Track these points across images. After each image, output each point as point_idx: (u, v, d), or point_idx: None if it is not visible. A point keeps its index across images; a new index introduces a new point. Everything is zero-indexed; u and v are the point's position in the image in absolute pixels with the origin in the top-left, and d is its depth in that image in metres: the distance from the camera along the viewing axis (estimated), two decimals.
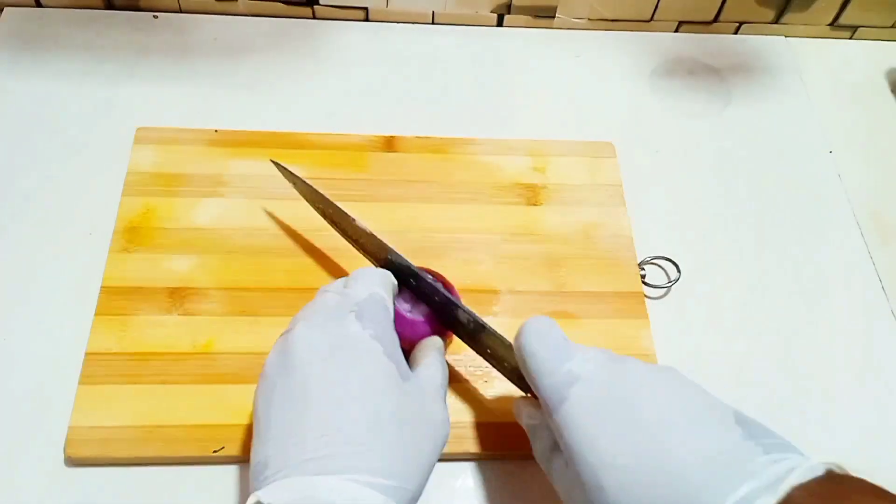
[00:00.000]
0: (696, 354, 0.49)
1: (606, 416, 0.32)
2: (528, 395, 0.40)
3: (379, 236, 0.43)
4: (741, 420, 0.32)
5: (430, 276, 0.43)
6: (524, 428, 0.39)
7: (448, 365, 0.45)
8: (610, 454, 0.31)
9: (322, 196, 0.45)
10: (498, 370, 0.42)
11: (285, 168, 0.47)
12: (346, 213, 0.44)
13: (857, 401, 0.48)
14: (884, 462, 0.46)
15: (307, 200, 0.47)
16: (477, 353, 0.42)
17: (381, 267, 0.43)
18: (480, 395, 0.45)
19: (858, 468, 0.29)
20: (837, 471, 0.29)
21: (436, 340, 0.41)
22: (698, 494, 0.29)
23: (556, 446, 0.35)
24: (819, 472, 0.28)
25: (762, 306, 0.52)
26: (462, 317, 0.41)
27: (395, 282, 0.41)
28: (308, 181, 0.46)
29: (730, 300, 0.52)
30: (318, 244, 0.50)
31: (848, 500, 0.28)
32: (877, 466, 0.29)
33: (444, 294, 0.41)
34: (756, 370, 0.49)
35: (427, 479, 0.34)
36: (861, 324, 0.52)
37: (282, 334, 0.36)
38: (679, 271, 0.51)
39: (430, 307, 0.42)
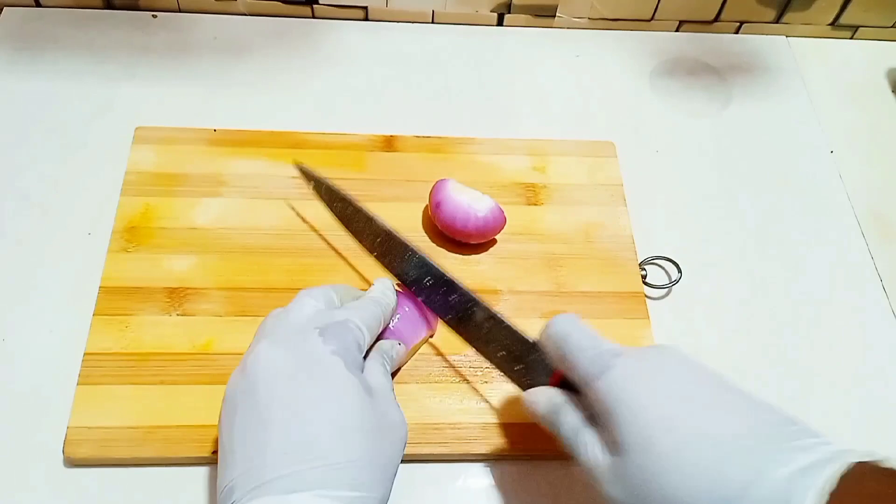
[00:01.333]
0: (696, 354, 0.49)
1: (655, 383, 0.32)
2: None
3: (399, 235, 0.44)
4: (778, 409, 0.32)
5: (445, 271, 0.42)
6: (541, 414, 0.37)
7: (452, 365, 0.45)
8: (659, 416, 0.31)
9: (344, 196, 0.46)
10: (503, 370, 0.41)
11: (309, 170, 0.47)
12: (368, 214, 0.45)
13: (857, 400, 0.48)
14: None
15: (325, 202, 0.47)
16: (483, 353, 0.42)
17: (401, 267, 0.43)
18: (482, 396, 0.45)
19: None
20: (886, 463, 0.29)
21: (378, 345, 0.41)
22: (750, 462, 0.29)
23: (586, 422, 0.35)
24: (870, 458, 0.28)
25: (763, 306, 0.52)
26: (479, 314, 0.41)
27: (385, 303, 0.41)
28: (331, 182, 0.46)
29: (731, 300, 0.52)
30: (317, 244, 0.50)
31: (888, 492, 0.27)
32: None
33: (463, 290, 0.41)
34: (757, 370, 0.49)
35: (392, 484, 0.34)
36: (861, 323, 0.51)
37: (246, 351, 0.36)
38: (680, 271, 0.51)
39: (446, 303, 0.42)
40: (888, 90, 0.65)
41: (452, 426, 0.44)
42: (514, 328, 0.40)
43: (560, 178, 0.55)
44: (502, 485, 0.43)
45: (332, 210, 0.47)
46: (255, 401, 0.33)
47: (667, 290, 0.51)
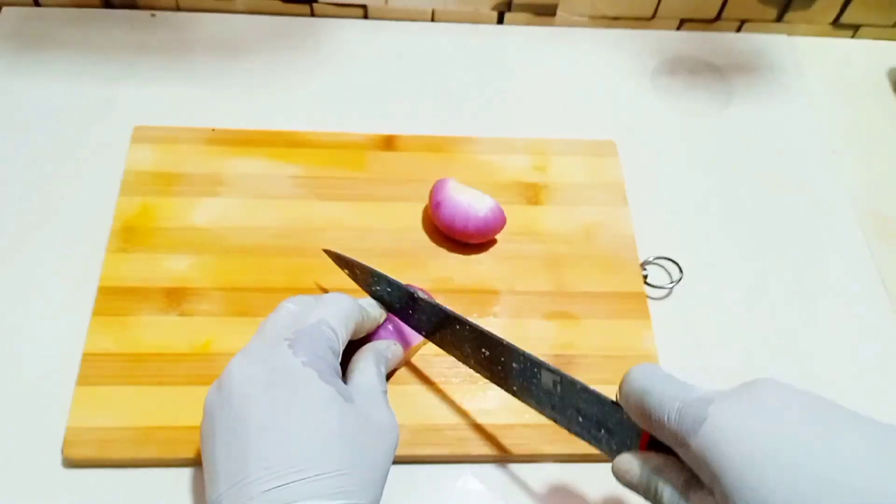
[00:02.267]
0: (697, 354, 0.49)
1: (759, 430, 0.28)
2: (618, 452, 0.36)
3: (453, 312, 0.40)
4: (880, 423, 0.29)
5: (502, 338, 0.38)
6: (636, 484, 0.33)
7: (451, 365, 0.45)
8: (776, 469, 0.27)
9: (380, 273, 0.42)
10: (582, 437, 0.37)
11: (339, 254, 0.45)
12: (406, 288, 0.42)
13: (858, 400, 0.48)
14: None
15: (362, 286, 0.44)
16: (557, 421, 0.38)
17: (456, 342, 0.40)
18: (482, 396, 0.45)
19: None
20: None
21: (373, 345, 0.41)
22: (873, 495, 0.26)
23: (691, 483, 0.31)
24: None
25: (764, 306, 0.51)
26: (545, 379, 0.36)
27: (369, 310, 0.41)
28: (364, 264, 0.43)
29: (731, 300, 0.51)
30: (317, 244, 0.49)
31: None
32: None
33: (528, 356, 0.37)
34: (757, 370, 0.48)
35: (383, 487, 0.34)
36: (861, 323, 0.51)
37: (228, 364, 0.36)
38: (681, 271, 0.51)
39: (510, 372, 0.38)
40: (889, 90, 0.65)
41: (452, 427, 0.43)
42: (590, 389, 0.35)
43: (561, 178, 0.54)
44: (502, 485, 0.43)
45: (371, 293, 0.44)
46: (232, 417, 0.33)
47: (668, 290, 0.51)
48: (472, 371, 0.45)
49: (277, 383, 0.34)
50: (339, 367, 0.37)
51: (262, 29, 0.62)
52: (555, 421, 0.37)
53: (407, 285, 0.42)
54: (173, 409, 0.43)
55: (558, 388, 0.36)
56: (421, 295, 0.41)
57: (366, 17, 0.64)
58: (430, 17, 0.64)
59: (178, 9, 0.62)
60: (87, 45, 0.59)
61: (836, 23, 0.66)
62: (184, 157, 0.53)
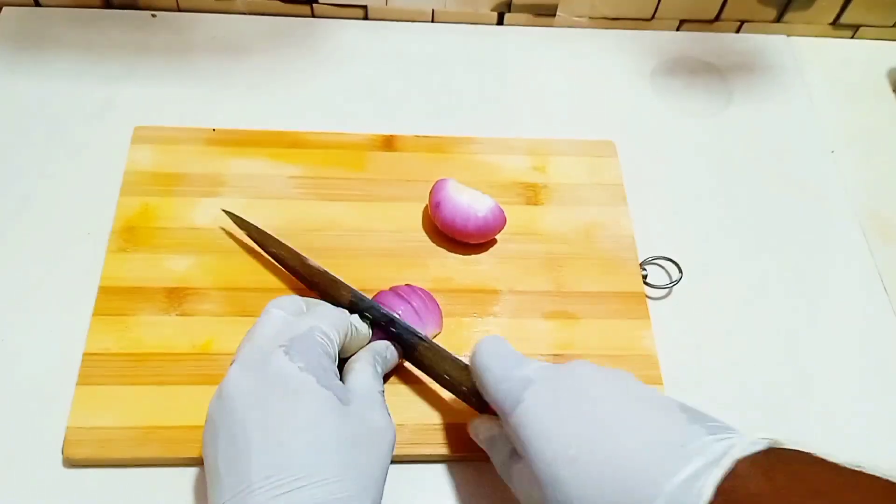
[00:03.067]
0: (697, 354, 0.49)
1: (558, 412, 0.33)
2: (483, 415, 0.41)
3: (331, 273, 0.44)
4: (685, 409, 0.33)
5: (382, 307, 0.43)
6: (480, 444, 0.40)
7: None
8: (563, 447, 0.32)
9: (276, 239, 0.47)
10: (455, 394, 0.42)
11: (237, 216, 0.48)
12: (298, 253, 0.46)
13: (858, 400, 0.48)
14: (885, 460, 0.46)
15: (260, 246, 0.48)
16: (435, 380, 0.43)
17: (337, 303, 0.43)
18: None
19: (814, 447, 0.30)
20: (777, 445, 0.30)
21: (371, 346, 0.41)
22: (647, 476, 0.30)
23: (514, 453, 0.36)
24: (761, 445, 0.29)
25: (764, 306, 0.51)
26: (419, 345, 0.42)
27: (358, 326, 0.41)
28: (261, 227, 0.47)
29: (731, 300, 0.52)
30: (316, 244, 0.50)
31: (788, 466, 0.29)
32: (877, 465, 0.29)
33: (402, 324, 0.42)
34: (757, 370, 0.49)
35: (383, 487, 0.34)
36: (862, 323, 0.51)
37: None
38: (681, 271, 0.51)
39: (389, 336, 0.43)
40: (888, 90, 0.65)
41: (452, 426, 0.43)
42: (451, 355, 0.41)
43: (560, 178, 0.54)
44: (502, 485, 0.43)
45: (267, 252, 0.48)
46: (232, 425, 0.33)
47: (667, 290, 0.51)
48: None
49: (275, 392, 0.34)
50: (337, 370, 0.37)
51: (263, 29, 0.62)
52: (438, 382, 0.43)
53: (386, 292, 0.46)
54: (174, 408, 0.43)
55: (430, 353, 0.42)
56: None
57: (366, 17, 0.64)
58: (430, 17, 0.64)
59: (178, 9, 0.62)
60: (88, 45, 0.60)
61: (836, 23, 0.66)
62: (184, 158, 0.53)
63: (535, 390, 0.35)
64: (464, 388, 0.41)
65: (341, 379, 0.38)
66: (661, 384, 0.46)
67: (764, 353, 0.49)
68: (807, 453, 0.29)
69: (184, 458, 0.42)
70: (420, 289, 0.46)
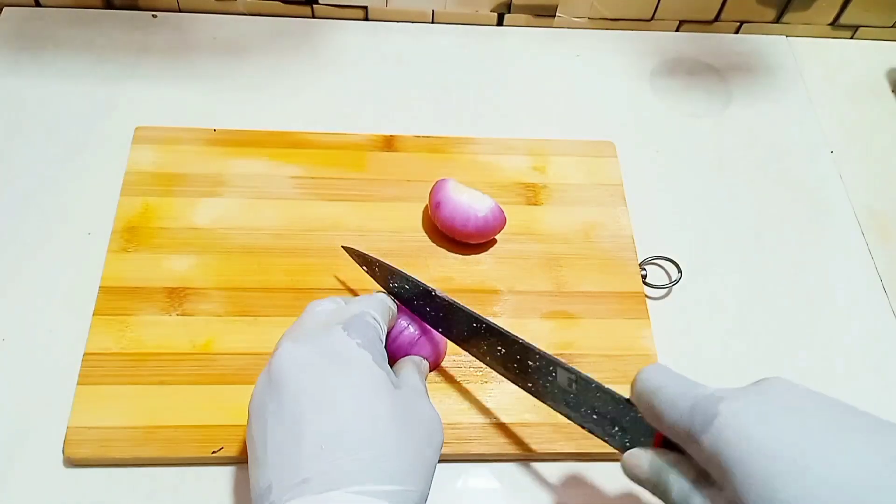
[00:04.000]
0: (696, 354, 0.49)
1: (769, 428, 0.29)
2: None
3: (460, 304, 0.40)
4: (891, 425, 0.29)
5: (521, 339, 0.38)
6: (645, 479, 0.33)
7: (452, 365, 0.45)
8: (784, 467, 0.27)
9: (402, 273, 0.42)
10: (595, 433, 0.37)
11: (359, 252, 0.45)
12: (427, 287, 0.41)
13: (858, 400, 0.48)
14: None
15: (380, 282, 0.44)
16: (566, 415, 0.38)
17: (468, 336, 0.40)
18: (482, 396, 0.45)
19: None
20: None
21: (410, 357, 0.41)
22: (881, 493, 0.26)
23: (700, 479, 0.31)
24: None
25: (763, 306, 0.51)
26: (562, 378, 0.37)
27: (392, 307, 0.40)
28: (384, 261, 0.43)
29: (731, 300, 0.52)
30: (317, 244, 0.50)
31: None
32: None
33: (545, 355, 0.37)
34: (757, 370, 0.48)
35: (431, 481, 0.33)
36: (861, 323, 0.51)
37: (271, 357, 0.36)
38: (680, 271, 0.51)
39: (526, 369, 0.38)
40: (888, 90, 0.65)
41: (452, 426, 0.44)
42: (604, 387, 0.36)
43: (560, 178, 0.55)
44: (502, 485, 0.43)
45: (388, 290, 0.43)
46: (284, 399, 0.32)
47: (667, 290, 0.51)
48: (472, 371, 0.46)
49: (332, 363, 0.33)
50: (387, 356, 0.37)
51: (263, 30, 0.62)
52: (568, 418, 0.38)
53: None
54: (174, 408, 0.43)
55: (573, 386, 0.36)
56: (438, 293, 0.41)
57: (366, 18, 0.64)
58: (430, 18, 0.64)
59: (179, 9, 0.62)
60: (89, 45, 0.60)
61: (835, 24, 0.66)
62: (185, 158, 0.53)
63: (730, 406, 0.30)
64: (613, 430, 0.36)
65: None
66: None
67: (763, 353, 0.50)
68: None
69: (184, 458, 0.42)
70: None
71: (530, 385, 0.39)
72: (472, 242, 0.50)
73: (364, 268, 0.45)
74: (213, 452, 0.42)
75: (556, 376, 0.37)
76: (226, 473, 0.42)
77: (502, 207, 0.49)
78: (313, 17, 0.64)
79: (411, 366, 0.39)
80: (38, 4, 0.61)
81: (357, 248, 0.45)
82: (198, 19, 0.62)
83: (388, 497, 0.30)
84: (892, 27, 0.67)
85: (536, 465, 0.44)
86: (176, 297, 0.47)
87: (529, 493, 0.43)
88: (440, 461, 0.43)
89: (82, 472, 0.42)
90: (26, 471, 0.41)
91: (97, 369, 0.44)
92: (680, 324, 0.50)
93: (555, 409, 0.38)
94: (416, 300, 0.42)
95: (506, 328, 0.38)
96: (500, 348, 0.39)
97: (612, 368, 0.46)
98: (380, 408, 0.32)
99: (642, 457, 0.34)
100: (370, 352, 0.34)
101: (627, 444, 0.35)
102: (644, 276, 0.51)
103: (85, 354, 0.44)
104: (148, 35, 0.61)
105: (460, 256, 0.50)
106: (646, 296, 0.50)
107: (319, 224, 0.51)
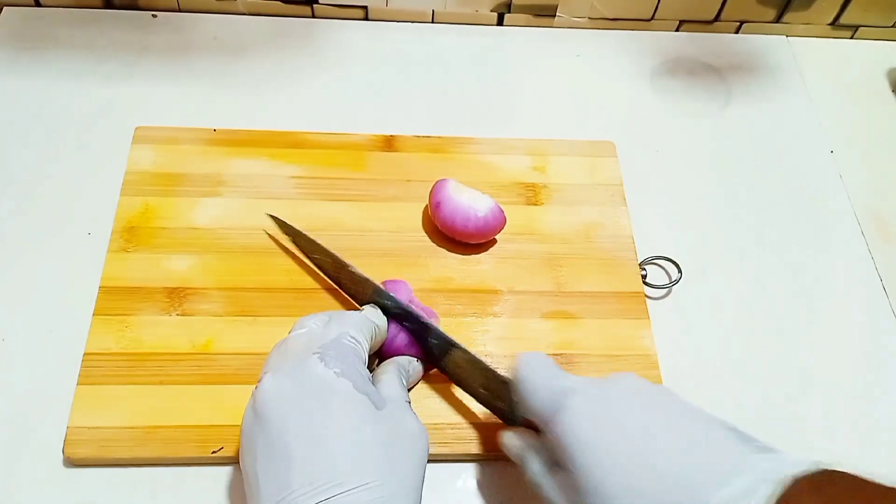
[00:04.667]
0: (696, 354, 0.49)
1: (602, 420, 0.33)
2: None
3: (374, 281, 0.44)
4: (730, 427, 0.33)
5: (422, 315, 0.43)
6: (512, 456, 0.39)
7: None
8: (608, 456, 0.32)
9: (321, 247, 0.46)
10: (488, 407, 0.43)
11: (283, 221, 0.48)
12: (344, 262, 0.45)
13: (857, 400, 0.48)
14: (884, 462, 0.46)
15: (304, 253, 0.48)
16: (466, 390, 0.43)
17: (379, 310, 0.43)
18: None
19: (858, 468, 0.29)
20: (823, 466, 0.29)
21: (395, 360, 0.42)
22: (694, 489, 0.29)
23: (551, 464, 0.36)
24: (807, 465, 0.29)
25: (763, 306, 0.51)
26: (454, 354, 0.42)
27: (378, 322, 0.41)
28: (308, 234, 0.47)
29: (731, 300, 0.52)
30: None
31: (837, 485, 0.29)
32: (877, 466, 0.29)
33: (439, 333, 0.42)
34: (757, 370, 0.49)
35: (421, 489, 0.34)
36: (861, 323, 0.51)
37: (255, 387, 0.36)
38: (680, 271, 0.51)
39: (423, 346, 0.43)
40: (888, 90, 0.65)
41: (452, 426, 0.44)
42: (490, 368, 0.40)
43: (560, 178, 0.55)
44: (502, 485, 0.43)
45: (311, 260, 0.48)
46: (270, 435, 0.33)
47: (667, 290, 0.51)
48: None
49: (312, 397, 0.34)
50: (370, 375, 0.37)
51: (264, 30, 0.62)
52: (470, 393, 0.43)
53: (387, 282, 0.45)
54: (174, 408, 0.43)
55: (468, 365, 0.41)
56: (384, 289, 0.43)
57: (366, 18, 0.64)
58: (430, 18, 0.64)
59: (179, 9, 0.62)
60: (89, 45, 0.60)
61: (835, 24, 0.66)
62: (185, 158, 0.53)
63: (578, 398, 0.34)
64: (499, 404, 0.41)
65: None
66: (661, 384, 0.46)
67: (763, 353, 0.50)
68: (852, 473, 0.28)
69: (184, 458, 0.42)
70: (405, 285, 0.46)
71: (441, 364, 0.44)
72: (472, 242, 0.50)
73: (290, 238, 0.48)
74: (213, 452, 0.42)
75: (454, 355, 0.42)
76: (226, 473, 0.42)
77: (502, 207, 0.49)
78: (313, 16, 0.64)
79: (394, 373, 0.39)
80: (38, 4, 0.61)
81: (283, 219, 0.48)
82: (198, 19, 0.62)
83: None
84: (892, 27, 0.67)
85: None
86: (176, 297, 0.47)
87: (529, 493, 0.43)
88: (440, 461, 0.43)
89: (82, 472, 0.42)
90: (26, 471, 0.41)
91: (97, 369, 0.44)
92: (680, 324, 0.50)
93: (465, 390, 0.43)
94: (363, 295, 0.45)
95: (417, 312, 0.42)
96: (408, 326, 0.43)
97: (612, 368, 0.46)
98: (364, 435, 0.33)
99: (513, 438, 0.39)
100: (349, 379, 0.35)
101: (511, 420, 0.41)
102: (644, 276, 0.51)
103: (85, 354, 0.44)
104: (148, 35, 0.61)
105: (460, 256, 0.50)
106: (646, 296, 0.50)
107: (319, 224, 0.51)
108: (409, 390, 0.42)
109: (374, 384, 0.38)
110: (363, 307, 0.42)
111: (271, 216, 0.48)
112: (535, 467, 0.36)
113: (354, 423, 0.33)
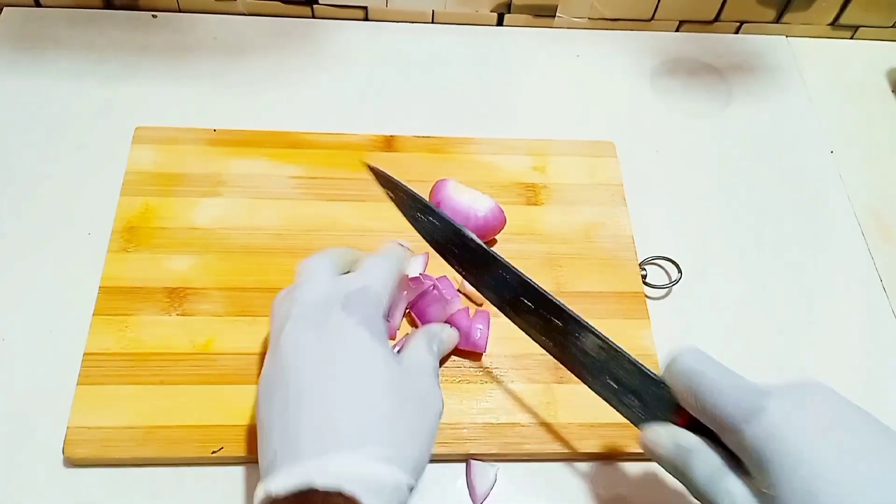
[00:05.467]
0: None
1: (816, 430, 0.30)
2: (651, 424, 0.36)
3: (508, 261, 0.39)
4: None
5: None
6: (665, 456, 0.34)
7: (452, 365, 0.45)
8: (825, 469, 0.29)
9: (422, 201, 0.41)
10: (612, 402, 0.38)
11: (382, 172, 0.42)
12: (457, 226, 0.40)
13: (857, 400, 0.48)
14: None
15: (401, 210, 0.43)
16: (581, 377, 0.38)
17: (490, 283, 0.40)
18: (482, 396, 0.45)
19: None
20: None
21: (427, 328, 0.41)
22: None
23: (727, 466, 0.32)
24: None
25: (763, 306, 0.51)
26: (589, 343, 0.37)
27: (403, 266, 0.40)
28: (411, 188, 0.41)
29: (731, 300, 0.52)
30: (317, 244, 0.50)
31: None
32: None
33: (570, 313, 0.37)
34: (757, 370, 0.48)
35: (430, 452, 0.34)
36: (861, 323, 0.51)
37: (273, 335, 0.35)
38: (680, 271, 0.51)
39: (548, 327, 0.38)
40: (888, 90, 0.65)
41: (452, 426, 0.44)
42: (637, 363, 0.36)
43: (560, 178, 0.55)
44: (502, 485, 0.43)
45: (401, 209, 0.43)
46: (286, 383, 0.33)
47: (667, 290, 0.51)
48: (472, 371, 0.46)
49: (332, 346, 0.34)
50: (388, 332, 0.37)
51: (263, 30, 0.62)
52: (584, 381, 0.38)
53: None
54: (174, 408, 0.43)
55: (602, 354, 0.36)
56: (468, 234, 0.39)
57: (366, 18, 0.64)
58: (430, 18, 0.64)
59: (179, 10, 0.62)
60: (89, 45, 0.60)
61: (835, 24, 0.66)
62: (185, 158, 0.53)
63: (779, 403, 0.31)
64: (631, 399, 0.36)
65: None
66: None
67: (763, 353, 0.50)
68: None
69: (184, 458, 0.42)
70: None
71: (550, 342, 0.39)
72: None
73: (387, 191, 0.43)
74: (213, 452, 0.42)
75: (584, 341, 0.37)
76: (226, 473, 0.42)
77: (502, 207, 0.49)
78: (313, 17, 0.64)
79: (423, 340, 0.39)
80: (38, 4, 0.61)
81: (383, 170, 0.42)
82: (198, 19, 0.62)
83: (384, 460, 0.31)
84: (892, 27, 0.67)
85: (536, 465, 0.44)
86: (176, 297, 0.47)
87: (529, 493, 0.43)
88: (440, 461, 0.43)
89: (82, 472, 0.42)
90: (26, 471, 0.41)
91: (97, 369, 0.44)
92: (680, 324, 0.50)
93: (571, 371, 0.38)
94: (441, 239, 0.41)
95: (537, 283, 0.38)
96: (524, 300, 0.38)
97: None
98: (375, 378, 0.33)
99: (664, 435, 0.34)
100: (367, 327, 0.35)
101: (642, 418, 0.36)
102: (644, 276, 0.51)
103: (85, 354, 0.44)
104: (148, 35, 0.61)
105: None
106: (646, 296, 0.50)
107: (319, 224, 0.51)
108: (443, 361, 0.40)
109: (402, 350, 0.38)
110: (388, 242, 0.41)
111: (369, 166, 0.42)
112: (704, 471, 0.32)
113: (368, 366, 0.33)
